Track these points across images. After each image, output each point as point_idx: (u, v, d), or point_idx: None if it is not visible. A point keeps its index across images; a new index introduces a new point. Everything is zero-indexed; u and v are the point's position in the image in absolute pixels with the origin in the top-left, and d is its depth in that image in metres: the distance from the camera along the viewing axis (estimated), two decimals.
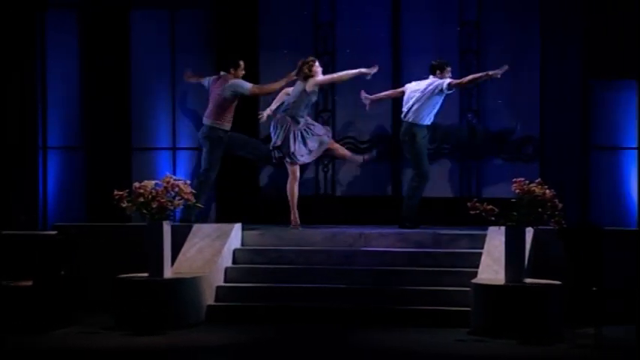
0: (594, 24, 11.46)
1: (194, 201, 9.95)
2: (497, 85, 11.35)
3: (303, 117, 11.27)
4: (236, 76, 11.42)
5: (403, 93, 11.44)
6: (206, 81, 11.61)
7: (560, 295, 9.23)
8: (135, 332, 9.31)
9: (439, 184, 11.86)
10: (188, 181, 9.95)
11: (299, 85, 11.27)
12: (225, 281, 10.25)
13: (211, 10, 12.20)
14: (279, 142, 11.19)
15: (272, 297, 9.99)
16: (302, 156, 11.25)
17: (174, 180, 9.83)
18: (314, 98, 11.35)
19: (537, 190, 9.24)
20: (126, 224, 10.71)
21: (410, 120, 11.27)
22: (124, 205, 9.68)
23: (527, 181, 9.35)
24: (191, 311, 9.68)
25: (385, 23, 12.06)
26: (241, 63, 11.45)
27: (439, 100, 11.26)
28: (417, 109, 11.23)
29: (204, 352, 8.76)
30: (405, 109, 11.33)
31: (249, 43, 12.17)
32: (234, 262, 10.49)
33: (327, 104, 12.21)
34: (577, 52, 11.42)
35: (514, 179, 9.44)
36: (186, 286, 9.68)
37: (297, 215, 11.23)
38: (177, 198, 9.77)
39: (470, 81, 11.19)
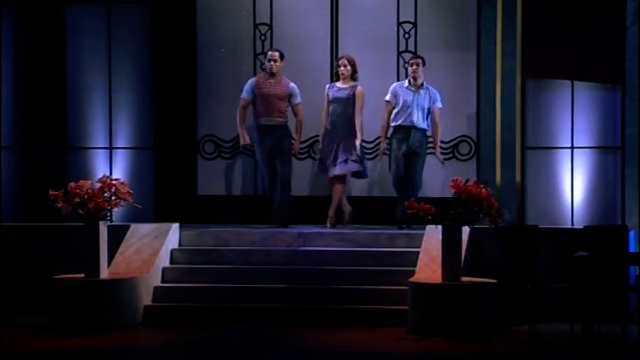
0: (530, 23, 11.58)
1: (132, 201, 9.87)
2: (435, 84, 11.38)
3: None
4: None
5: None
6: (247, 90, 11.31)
7: (495, 293, 9.32)
8: (71, 333, 9.21)
9: (377, 183, 11.91)
10: (125, 181, 9.87)
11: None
12: (163, 282, 10.19)
13: (149, 7, 12.11)
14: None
15: (210, 297, 9.94)
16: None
17: (111, 180, 9.76)
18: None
19: (473, 189, 9.31)
20: (62, 224, 10.59)
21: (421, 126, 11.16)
22: (59, 205, 9.58)
23: (463, 181, 9.43)
24: (128, 312, 9.61)
25: (324, 22, 12.06)
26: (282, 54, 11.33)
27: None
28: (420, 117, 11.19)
29: (140, 353, 8.69)
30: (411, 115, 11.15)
31: (187, 40, 12.10)
32: (171, 262, 10.42)
33: None
34: (513, 51, 11.53)
35: (451, 178, 9.51)
36: (123, 287, 9.60)
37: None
38: (113, 198, 9.70)
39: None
